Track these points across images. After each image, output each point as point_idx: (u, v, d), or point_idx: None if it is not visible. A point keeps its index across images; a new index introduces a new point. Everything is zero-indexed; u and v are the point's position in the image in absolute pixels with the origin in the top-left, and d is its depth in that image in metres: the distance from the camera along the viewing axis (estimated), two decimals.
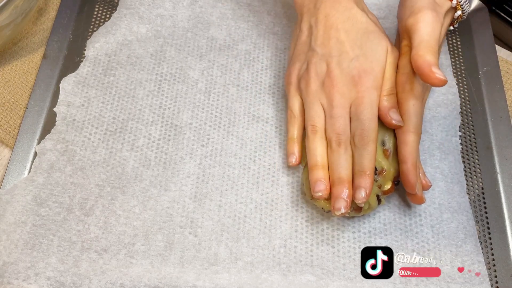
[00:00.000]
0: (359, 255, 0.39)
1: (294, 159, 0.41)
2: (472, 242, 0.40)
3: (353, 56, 0.39)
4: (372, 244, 0.40)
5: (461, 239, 0.40)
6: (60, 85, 0.45)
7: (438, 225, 0.41)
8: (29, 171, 0.41)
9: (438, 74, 0.36)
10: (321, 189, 0.37)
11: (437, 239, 0.40)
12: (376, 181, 0.39)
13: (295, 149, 0.41)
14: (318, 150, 0.39)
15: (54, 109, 0.43)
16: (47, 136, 0.42)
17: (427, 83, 0.37)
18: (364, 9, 0.42)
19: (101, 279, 0.37)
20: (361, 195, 0.36)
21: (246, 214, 0.40)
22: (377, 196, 0.39)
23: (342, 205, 0.36)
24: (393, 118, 0.38)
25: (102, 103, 0.44)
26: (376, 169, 0.38)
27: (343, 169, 0.37)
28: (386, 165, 0.39)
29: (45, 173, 0.40)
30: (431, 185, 0.40)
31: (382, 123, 0.40)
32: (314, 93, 0.39)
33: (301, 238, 0.39)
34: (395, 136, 0.40)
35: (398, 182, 0.40)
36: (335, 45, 0.39)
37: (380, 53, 0.39)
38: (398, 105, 0.39)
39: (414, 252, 0.39)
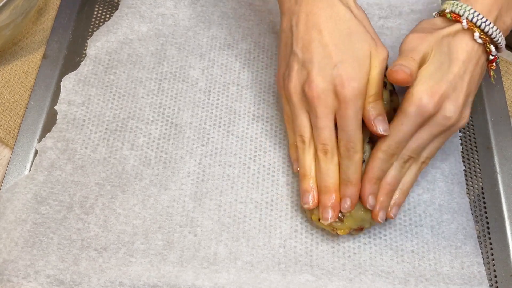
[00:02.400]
0: (358, 255, 0.39)
1: (297, 165, 0.40)
2: (471, 243, 0.40)
3: (336, 61, 0.36)
4: (372, 245, 0.40)
5: (460, 240, 0.40)
6: (61, 84, 0.45)
7: (438, 226, 0.41)
8: (29, 171, 0.41)
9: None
10: (308, 201, 0.38)
11: (436, 239, 0.40)
12: None
13: (295, 155, 0.40)
14: (306, 159, 0.38)
15: (55, 107, 0.44)
16: (48, 134, 0.42)
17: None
18: (349, 3, 0.38)
19: (100, 277, 0.37)
20: (346, 204, 0.37)
21: (246, 213, 0.40)
22: None
23: (329, 215, 0.37)
24: (379, 127, 0.36)
25: (102, 101, 0.44)
26: None
27: (330, 178, 0.37)
28: None
29: (46, 171, 0.40)
30: (393, 218, 0.39)
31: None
32: (298, 103, 0.38)
33: (301, 238, 0.39)
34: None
35: None
36: (316, 49, 0.37)
37: (363, 57, 0.36)
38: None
39: (413, 252, 0.39)
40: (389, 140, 0.37)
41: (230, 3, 0.51)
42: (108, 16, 0.49)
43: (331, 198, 0.37)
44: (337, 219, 0.38)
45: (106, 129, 0.43)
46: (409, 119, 0.36)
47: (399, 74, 0.35)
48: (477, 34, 0.37)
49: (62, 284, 0.36)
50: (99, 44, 0.47)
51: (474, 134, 0.46)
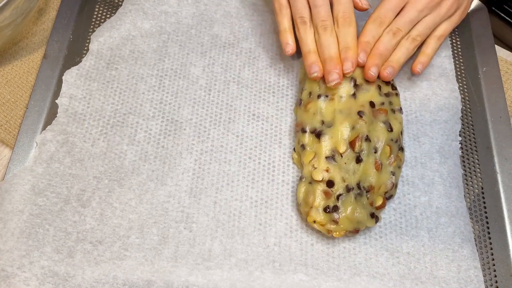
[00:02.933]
0: (354, 256, 0.39)
1: (291, 48, 0.44)
2: (469, 247, 0.40)
3: None
4: (367, 246, 0.39)
5: (457, 243, 0.40)
6: (63, 77, 0.45)
7: (435, 229, 0.40)
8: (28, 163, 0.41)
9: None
10: (316, 70, 0.42)
11: (433, 242, 0.40)
12: (367, 198, 0.38)
13: (289, 39, 0.44)
14: (309, 38, 0.43)
15: (56, 100, 0.44)
16: (48, 127, 0.42)
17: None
18: None
19: (94, 270, 0.37)
20: (348, 65, 0.41)
21: (242, 211, 0.40)
22: (372, 214, 0.39)
23: (335, 77, 0.41)
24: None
25: (103, 96, 0.45)
26: (364, 187, 0.38)
27: (332, 48, 0.42)
28: (375, 180, 0.39)
29: (44, 164, 0.41)
30: (386, 76, 0.43)
31: (376, 128, 0.40)
32: None
33: (296, 237, 0.39)
34: (388, 145, 0.40)
35: (391, 196, 0.40)
36: None
37: None
38: None
39: (409, 254, 0.39)
40: (378, 10, 0.43)
41: (233, 3, 0.51)
42: (108, 16, 0.49)
43: (335, 64, 0.41)
44: (333, 221, 0.37)
45: (106, 123, 0.43)
46: None
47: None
48: None
49: (56, 276, 0.37)
50: (102, 40, 0.47)
51: (474, 134, 0.45)
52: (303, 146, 0.41)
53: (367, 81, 0.42)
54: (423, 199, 0.41)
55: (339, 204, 0.38)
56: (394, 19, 0.43)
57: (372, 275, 0.38)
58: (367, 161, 0.39)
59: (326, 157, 0.39)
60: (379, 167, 0.39)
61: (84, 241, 0.38)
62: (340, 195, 0.38)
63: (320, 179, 0.38)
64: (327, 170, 0.38)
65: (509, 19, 0.53)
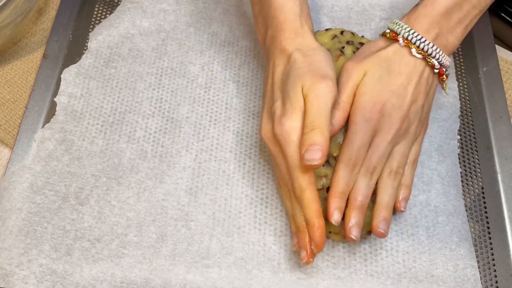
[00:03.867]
0: (351, 254, 0.39)
1: (304, 256, 0.37)
2: (466, 246, 0.40)
3: (274, 101, 0.38)
4: (365, 245, 0.39)
5: (455, 242, 0.40)
6: (62, 76, 0.45)
7: (433, 228, 0.40)
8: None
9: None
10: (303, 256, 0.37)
11: (431, 241, 0.40)
12: (373, 200, 0.38)
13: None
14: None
15: (54, 99, 0.44)
16: (47, 125, 0.42)
17: None
18: (304, 45, 0.38)
19: (92, 268, 0.37)
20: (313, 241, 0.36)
21: (240, 209, 0.40)
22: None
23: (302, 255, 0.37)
24: (308, 157, 0.34)
25: (102, 94, 0.45)
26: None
27: (298, 217, 0.37)
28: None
29: (43, 161, 0.41)
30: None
31: None
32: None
33: None
34: None
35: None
36: (267, 92, 0.40)
37: (293, 93, 0.36)
38: None
39: (407, 253, 0.39)
40: (346, 150, 0.36)
41: (232, 1, 0.51)
42: (108, 16, 0.49)
43: (301, 238, 0.36)
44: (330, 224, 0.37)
45: (104, 121, 0.43)
46: (358, 127, 0.37)
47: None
48: (414, 50, 0.38)
49: (54, 273, 0.37)
50: (101, 38, 0.47)
51: (474, 134, 0.45)
52: None
53: None
54: (421, 198, 0.41)
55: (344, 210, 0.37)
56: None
57: (369, 274, 0.38)
58: None
59: None
60: None
61: (82, 239, 0.38)
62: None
63: (320, 187, 0.38)
64: (325, 176, 0.38)
65: (509, 19, 0.53)
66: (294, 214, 0.37)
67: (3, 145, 0.43)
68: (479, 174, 0.44)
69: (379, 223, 0.36)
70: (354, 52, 0.44)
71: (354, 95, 0.38)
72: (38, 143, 0.41)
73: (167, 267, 0.37)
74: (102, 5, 0.50)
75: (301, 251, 0.36)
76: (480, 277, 0.39)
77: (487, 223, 0.41)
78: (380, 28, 0.50)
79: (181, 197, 0.40)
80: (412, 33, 0.38)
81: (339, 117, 0.37)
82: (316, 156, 0.34)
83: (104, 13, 0.50)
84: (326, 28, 0.48)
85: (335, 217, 0.35)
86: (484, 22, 0.52)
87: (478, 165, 0.44)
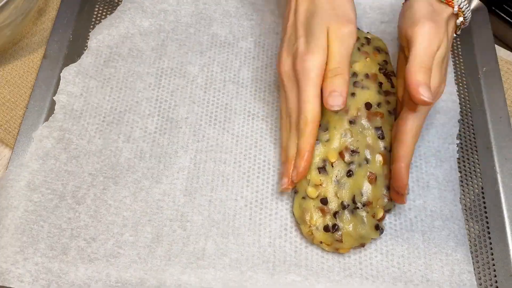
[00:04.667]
0: (347, 257, 0.39)
1: (285, 183, 0.40)
2: (462, 251, 0.40)
3: (297, 37, 0.40)
4: (361, 248, 0.39)
5: (451, 247, 0.40)
6: (61, 74, 0.45)
7: (429, 232, 0.40)
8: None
9: (423, 96, 0.36)
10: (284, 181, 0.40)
11: (427, 245, 0.40)
12: (367, 212, 0.38)
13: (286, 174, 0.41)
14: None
15: (53, 97, 0.44)
16: (45, 123, 0.43)
17: (413, 101, 0.37)
18: None
19: (88, 267, 0.37)
20: (295, 172, 0.39)
21: (236, 211, 0.40)
22: (376, 226, 0.38)
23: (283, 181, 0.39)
24: (330, 102, 0.37)
25: (101, 94, 0.45)
26: (361, 202, 0.38)
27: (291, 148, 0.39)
28: (370, 195, 0.38)
29: (40, 160, 0.41)
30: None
31: (367, 136, 0.40)
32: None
33: (290, 238, 0.39)
34: (380, 154, 0.39)
35: (389, 210, 0.40)
36: (290, 27, 0.41)
37: (318, 32, 0.38)
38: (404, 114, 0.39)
39: (402, 257, 0.39)
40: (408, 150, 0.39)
41: (232, 2, 0.51)
42: (108, 16, 0.49)
43: (287, 167, 0.39)
44: (336, 240, 0.37)
45: (103, 121, 0.43)
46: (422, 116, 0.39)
47: (425, 103, 0.37)
48: (460, 19, 0.41)
49: (50, 272, 0.37)
50: (101, 37, 0.47)
51: (474, 134, 0.45)
52: None
53: (367, 76, 0.42)
54: (418, 202, 0.41)
55: (337, 221, 0.38)
56: None
57: (364, 277, 0.38)
58: (358, 174, 0.39)
59: (318, 168, 0.39)
60: (373, 180, 0.39)
61: (78, 238, 0.38)
62: (336, 212, 0.38)
63: (315, 196, 0.38)
64: (320, 184, 0.38)
65: (509, 19, 0.53)
66: (288, 146, 0.39)
67: (3, 145, 0.43)
68: (479, 174, 0.43)
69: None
70: (359, 49, 0.44)
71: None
72: (36, 141, 0.42)
73: (162, 268, 0.37)
74: (102, 5, 0.50)
75: (283, 178, 0.39)
76: (480, 277, 0.39)
77: (487, 223, 0.41)
78: (380, 31, 0.50)
79: (177, 198, 0.40)
80: (464, 3, 0.41)
81: (425, 78, 0.37)
82: (338, 102, 0.37)
83: (104, 13, 0.50)
84: None
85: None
86: (484, 22, 0.52)
87: (478, 165, 0.44)
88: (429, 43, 0.38)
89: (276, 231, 0.40)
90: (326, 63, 0.38)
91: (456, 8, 0.41)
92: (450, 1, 0.40)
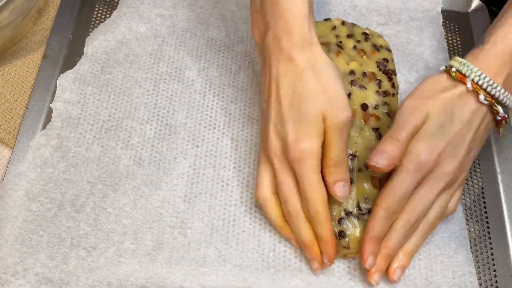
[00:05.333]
0: (348, 262, 0.39)
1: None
2: (464, 253, 0.40)
3: (286, 120, 0.37)
4: None
5: (453, 249, 0.40)
6: (58, 82, 0.45)
7: (431, 234, 0.40)
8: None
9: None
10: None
11: (428, 248, 0.40)
12: None
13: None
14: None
15: (50, 105, 0.44)
16: (42, 131, 0.42)
17: None
18: (314, 59, 0.36)
19: (88, 276, 0.37)
20: (325, 260, 0.37)
21: (236, 216, 0.40)
22: None
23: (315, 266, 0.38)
24: (337, 193, 0.36)
25: (98, 100, 0.44)
26: (366, 208, 0.38)
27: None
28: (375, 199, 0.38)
29: (38, 169, 0.41)
30: (396, 281, 0.37)
31: (364, 138, 0.39)
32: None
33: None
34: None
35: None
36: (273, 103, 0.38)
37: (313, 118, 0.36)
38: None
39: None
40: (389, 197, 0.35)
41: (229, 6, 0.51)
42: (108, 16, 0.49)
43: (312, 252, 0.37)
44: (344, 247, 0.37)
45: (101, 128, 0.43)
46: (408, 175, 0.35)
47: (378, 160, 0.35)
48: (482, 96, 0.36)
49: (50, 283, 0.36)
50: (97, 43, 0.47)
51: None
52: None
53: (365, 75, 0.42)
54: None
55: (342, 227, 0.37)
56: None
57: (367, 281, 0.38)
58: (359, 179, 0.38)
59: None
60: (376, 183, 0.38)
61: (78, 247, 0.38)
62: (341, 219, 0.38)
63: None
64: None
65: None
66: (298, 233, 0.37)
67: (3, 145, 0.43)
68: (479, 174, 0.44)
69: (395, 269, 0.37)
70: (355, 47, 0.44)
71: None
72: (33, 149, 0.41)
73: (163, 275, 0.37)
74: (102, 5, 0.50)
75: (313, 262, 0.37)
76: (480, 277, 0.39)
77: (487, 223, 0.41)
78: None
79: (177, 204, 0.40)
80: (483, 78, 0.36)
81: (395, 154, 0.35)
82: (345, 192, 0.36)
83: (104, 14, 0.49)
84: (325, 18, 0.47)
85: (369, 261, 0.36)
86: (484, 22, 0.52)
87: (478, 165, 0.44)
88: (406, 116, 0.36)
89: (277, 236, 0.39)
90: (326, 152, 0.36)
91: (469, 85, 0.36)
92: (461, 77, 0.37)
